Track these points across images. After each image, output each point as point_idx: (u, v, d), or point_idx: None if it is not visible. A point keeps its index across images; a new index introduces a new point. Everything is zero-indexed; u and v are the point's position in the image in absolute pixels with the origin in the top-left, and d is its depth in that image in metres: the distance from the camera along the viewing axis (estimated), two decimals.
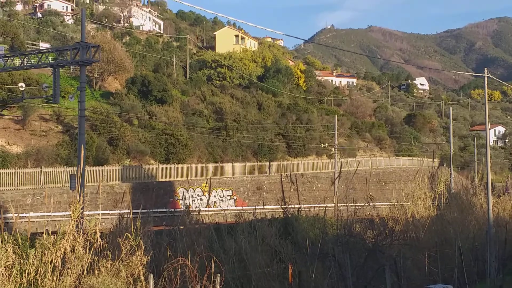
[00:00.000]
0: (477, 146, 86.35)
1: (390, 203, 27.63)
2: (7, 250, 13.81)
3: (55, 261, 14.28)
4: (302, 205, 39.92)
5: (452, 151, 58.87)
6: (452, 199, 28.83)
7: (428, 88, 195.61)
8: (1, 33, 68.14)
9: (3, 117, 49.16)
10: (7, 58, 32.64)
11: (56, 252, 14.33)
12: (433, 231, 23.63)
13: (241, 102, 79.14)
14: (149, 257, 15.77)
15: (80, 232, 15.04)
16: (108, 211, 40.64)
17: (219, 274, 14.57)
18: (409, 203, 26.07)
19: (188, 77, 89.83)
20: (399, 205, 25.67)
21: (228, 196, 55.54)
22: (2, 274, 13.48)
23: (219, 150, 63.66)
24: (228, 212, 50.56)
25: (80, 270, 14.61)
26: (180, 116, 65.44)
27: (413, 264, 21.67)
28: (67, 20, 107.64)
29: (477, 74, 44.52)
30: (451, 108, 79.06)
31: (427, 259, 20.96)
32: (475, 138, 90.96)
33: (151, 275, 13.56)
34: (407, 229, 24.23)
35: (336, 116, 73.42)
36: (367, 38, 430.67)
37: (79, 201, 15.54)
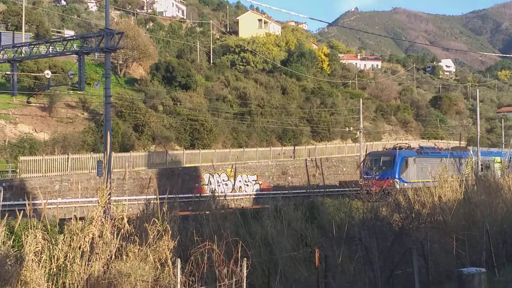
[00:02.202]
0: (504, 128, 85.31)
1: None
2: (36, 236, 14.01)
3: (84, 246, 14.46)
4: (327, 189, 39.94)
5: (479, 133, 58.21)
6: (479, 182, 28.56)
7: (454, 70, 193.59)
8: (26, 21, 68.68)
9: (30, 104, 49.68)
10: (32, 46, 32.93)
11: (84, 238, 14.50)
12: (460, 214, 23.43)
13: (265, 87, 78.99)
14: (176, 242, 15.87)
15: (107, 217, 15.19)
16: (134, 197, 41.00)
17: (245, 258, 14.61)
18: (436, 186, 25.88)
19: (211, 62, 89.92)
20: (425, 188, 25.48)
21: (253, 180, 55.61)
22: (32, 259, 13.68)
23: (244, 135, 63.71)
24: (253, 196, 50.69)
25: (108, 255, 14.77)
26: (204, 101, 65.54)
27: (440, 247, 21.54)
28: (91, 7, 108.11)
29: (504, 55, 43.98)
30: (477, 89, 78.12)
31: (455, 242, 20.82)
32: (502, 120, 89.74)
33: (178, 260, 13.64)
34: (434, 212, 24.05)
35: (360, 99, 72.93)
36: (392, 20, 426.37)
37: (106, 187, 15.68)
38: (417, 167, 45.33)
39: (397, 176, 42.97)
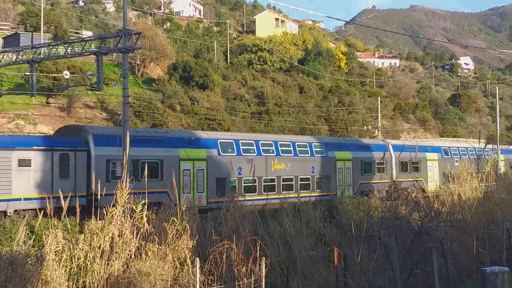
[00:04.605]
0: None
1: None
2: (57, 236, 14.13)
3: (104, 246, 14.57)
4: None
5: (498, 131, 57.68)
6: (499, 180, 28.38)
7: (473, 68, 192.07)
8: (44, 22, 69.18)
9: (49, 105, 50.02)
10: (51, 47, 33.12)
11: (104, 237, 14.61)
12: (480, 212, 23.34)
13: (282, 86, 78.90)
14: (195, 241, 15.94)
15: (127, 217, 15.27)
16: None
17: (264, 258, 14.63)
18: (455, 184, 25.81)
19: (229, 62, 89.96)
20: (445, 187, 25.40)
21: None
22: (53, 259, 13.80)
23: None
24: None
25: (128, 255, 14.87)
26: (221, 101, 65.57)
27: (460, 246, 21.43)
28: (109, 8, 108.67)
29: None
30: (497, 87, 77.45)
31: (475, 241, 20.70)
32: None
33: (197, 259, 13.69)
34: (454, 211, 23.96)
35: (378, 98, 72.62)
36: (409, 18, 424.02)
37: (125, 186, 15.76)
38: None
39: None
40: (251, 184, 33.52)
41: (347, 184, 39.12)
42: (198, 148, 32.32)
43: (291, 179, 36.11)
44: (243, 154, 34.05)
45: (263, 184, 34.18)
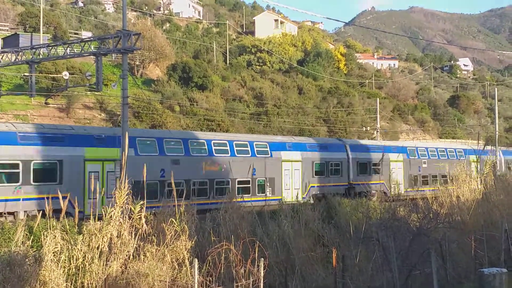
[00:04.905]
0: None
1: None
2: (55, 236, 14.14)
3: (102, 246, 14.57)
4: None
5: (497, 132, 57.69)
6: (498, 181, 28.39)
7: (472, 69, 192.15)
8: (44, 23, 69.18)
9: (48, 105, 50.01)
10: (50, 48, 33.10)
11: (102, 238, 14.62)
12: (478, 213, 23.35)
13: (281, 87, 78.91)
14: (193, 242, 15.95)
15: (125, 218, 15.28)
16: None
17: (262, 259, 14.64)
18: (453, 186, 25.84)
19: (228, 63, 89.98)
20: (443, 188, 25.43)
21: None
22: (51, 259, 13.80)
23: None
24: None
25: (126, 255, 14.88)
26: (220, 102, 65.57)
27: (459, 247, 21.45)
28: (108, 9, 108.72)
29: None
30: (496, 88, 77.55)
31: (473, 242, 20.71)
32: None
33: (196, 260, 13.68)
34: (452, 212, 23.98)
35: (377, 99, 72.63)
36: (409, 19, 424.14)
37: (124, 187, 15.78)
38: None
39: None
40: (176, 188, 30.13)
41: (295, 188, 36.37)
42: (109, 147, 27.71)
43: (227, 182, 32.58)
44: (167, 154, 30.51)
45: (191, 187, 30.02)
